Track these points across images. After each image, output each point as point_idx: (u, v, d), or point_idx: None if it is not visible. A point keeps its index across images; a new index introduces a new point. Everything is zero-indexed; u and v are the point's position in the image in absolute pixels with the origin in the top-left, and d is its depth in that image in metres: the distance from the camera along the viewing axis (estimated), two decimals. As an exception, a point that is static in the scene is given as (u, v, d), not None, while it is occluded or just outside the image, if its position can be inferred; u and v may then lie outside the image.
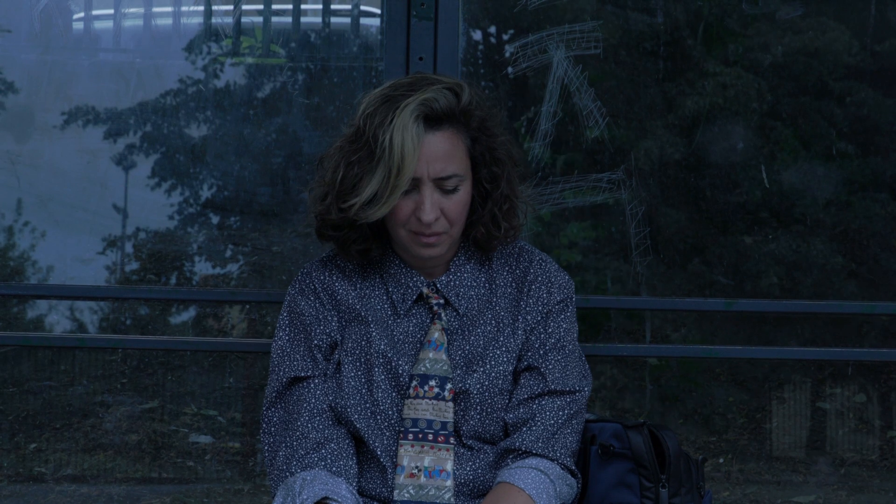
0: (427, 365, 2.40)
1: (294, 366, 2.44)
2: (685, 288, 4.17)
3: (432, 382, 2.40)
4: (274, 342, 2.48)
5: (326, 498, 2.31)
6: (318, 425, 2.40)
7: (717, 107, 4.11)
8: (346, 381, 2.43)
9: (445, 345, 2.42)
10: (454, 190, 2.38)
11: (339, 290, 2.46)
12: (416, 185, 2.35)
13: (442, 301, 2.45)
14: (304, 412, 2.41)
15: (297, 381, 2.45)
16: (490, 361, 2.43)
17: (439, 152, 2.36)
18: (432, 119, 2.36)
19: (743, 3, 4.05)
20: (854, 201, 4.20)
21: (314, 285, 2.48)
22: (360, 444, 2.44)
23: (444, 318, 2.45)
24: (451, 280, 2.46)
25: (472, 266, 2.49)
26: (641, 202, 3.90)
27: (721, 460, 4.37)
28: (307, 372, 2.44)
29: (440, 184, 2.36)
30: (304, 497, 2.31)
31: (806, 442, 4.47)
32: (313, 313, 2.46)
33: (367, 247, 2.44)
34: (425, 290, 2.45)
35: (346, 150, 2.39)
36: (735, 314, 4.09)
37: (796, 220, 4.20)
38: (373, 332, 2.43)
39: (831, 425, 4.49)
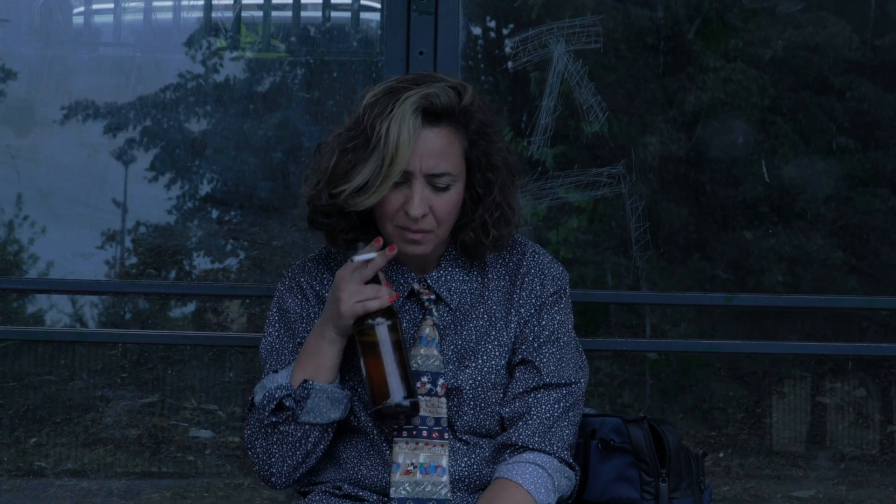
0: (419, 361, 2.40)
1: (283, 359, 2.44)
2: (685, 283, 4.17)
3: (424, 379, 2.40)
4: (263, 338, 2.48)
5: (305, 379, 2.35)
6: None
7: (718, 101, 4.11)
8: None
9: (437, 340, 2.42)
10: (445, 188, 2.37)
11: (325, 291, 2.46)
12: (407, 178, 2.34)
13: (433, 297, 2.45)
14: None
15: (283, 375, 2.45)
16: (482, 356, 2.42)
17: (434, 148, 2.35)
18: (431, 114, 2.35)
19: (743, -3, 4.06)
20: (854, 196, 4.21)
21: (301, 285, 2.48)
22: (356, 435, 2.44)
23: (436, 313, 2.44)
24: (441, 275, 2.46)
25: (463, 261, 2.48)
26: (642, 197, 3.90)
27: (721, 455, 4.37)
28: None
29: (431, 180, 2.36)
30: (280, 378, 2.36)
31: (806, 437, 4.48)
32: (299, 311, 2.46)
33: (356, 237, 2.44)
34: (416, 286, 2.44)
35: (344, 137, 2.39)
36: (735, 309, 4.09)
37: (797, 215, 4.20)
38: None
39: (831, 420, 4.50)
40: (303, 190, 2.44)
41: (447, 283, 2.45)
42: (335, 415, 2.38)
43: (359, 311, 2.31)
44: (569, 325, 2.48)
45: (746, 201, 4.15)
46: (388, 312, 2.33)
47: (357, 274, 2.33)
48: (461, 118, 2.38)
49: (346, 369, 2.43)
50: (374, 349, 2.31)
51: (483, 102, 2.43)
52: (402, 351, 2.32)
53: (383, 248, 2.38)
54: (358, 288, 2.32)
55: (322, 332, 2.37)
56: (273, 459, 2.40)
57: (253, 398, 2.42)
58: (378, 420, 2.35)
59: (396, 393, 2.29)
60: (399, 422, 2.38)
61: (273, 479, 2.42)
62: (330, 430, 2.39)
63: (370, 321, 2.32)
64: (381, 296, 2.32)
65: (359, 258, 2.33)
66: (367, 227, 2.44)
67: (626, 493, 2.44)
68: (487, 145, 2.41)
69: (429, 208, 2.36)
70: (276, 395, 2.36)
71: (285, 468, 2.40)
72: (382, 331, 2.32)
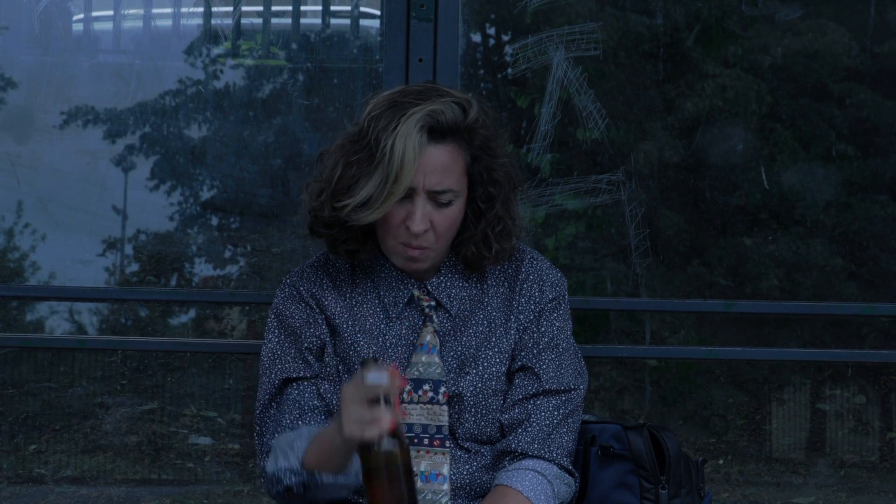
0: (420, 369, 2.40)
1: (286, 367, 2.44)
2: (685, 289, 4.17)
3: (426, 386, 2.40)
4: (264, 346, 2.47)
5: (315, 472, 2.32)
6: (308, 421, 2.40)
7: (717, 108, 4.12)
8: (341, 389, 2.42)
9: (438, 347, 2.42)
10: (447, 204, 2.37)
11: (325, 298, 2.46)
12: (409, 194, 2.34)
13: (433, 303, 2.45)
14: (296, 410, 2.41)
15: (289, 381, 2.43)
16: (482, 363, 2.42)
17: (438, 165, 2.35)
18: (436, 131, 2.35)
19: (742, 4, 4.06)
20: (854, 203, 4.21)
21: (301, 292, 2.47)
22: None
23: (436, 320, 2.44)
24: (441, 281, 2.46)
25: (462, 267, 2.48)
26: (641, 203, 3.90)
27: (721, 461, 4.37)
28: (299, 373, 2.43)
29: (434, 196, 2.36)
30: (292, 458, 2.31)
31: (805, 443, 4.48)
32: (303, 316, 2.45)
33: (357, 248, 2.44)
34: (416, 292, 2.44)
35: (347, 149, 2.38)
36: (734, 316, 4.09)
37: (796, 222, 4.20)
38: (360, 340, 2.42)
39: (831, 427, 4.50)
40: (304, 198, 2.44)
41: (447, 289, 2.45)
42: (344, 493, 2.34)
43: (356, 434, 2.12)
44: (568, 331, 2.48)
45: (746, 208, 4.15)
46: (392, 434, 2.13)
47: (363, 391, 2.14)
48: (465, 134, 2.38)
49: None
50: (372, 475, 2.13)
51: (487, 116, 2.42)
52: (401, 479, 2.13)
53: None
54: (360, 409, 2.13)
55: (339, 429, 2.22)
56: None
57: (265, 465, 2.39)
58: None
59: None
60: None
61: None
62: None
63: (374, 446, 2.12)
64: (381, 420, 2.11)
65: (370, 381, 2.13)
66: (368, 238, 2.44)
67: (626, 499, 2.45)
68: (490, 160, 2.41)
69: (429, 223, 2.36)
70: (285, 483, 2.31)
71: None
72: (381, 458, 2.13)
